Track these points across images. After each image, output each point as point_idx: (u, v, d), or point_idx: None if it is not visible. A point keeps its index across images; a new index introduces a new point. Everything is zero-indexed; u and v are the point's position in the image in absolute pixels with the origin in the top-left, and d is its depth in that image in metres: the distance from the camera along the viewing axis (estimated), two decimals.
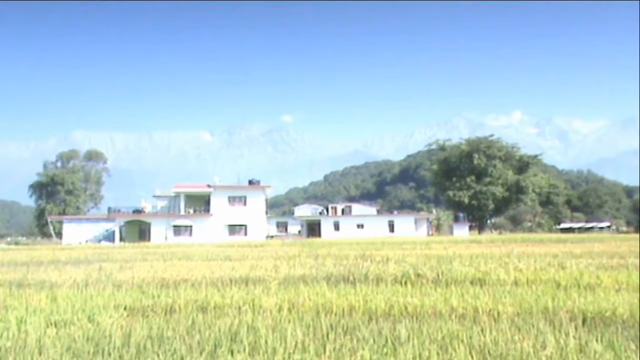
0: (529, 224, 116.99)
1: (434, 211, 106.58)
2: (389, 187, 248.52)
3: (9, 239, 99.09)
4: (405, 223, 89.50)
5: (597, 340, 7.14)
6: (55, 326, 9.11)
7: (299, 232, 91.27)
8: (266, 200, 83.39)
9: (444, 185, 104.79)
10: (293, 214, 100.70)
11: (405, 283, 13.81)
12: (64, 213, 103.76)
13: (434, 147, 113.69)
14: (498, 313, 9.51)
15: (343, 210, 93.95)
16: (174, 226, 75.29)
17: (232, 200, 78.14)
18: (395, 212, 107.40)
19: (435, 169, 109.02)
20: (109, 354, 7.01)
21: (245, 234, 75.85)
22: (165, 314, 10.43)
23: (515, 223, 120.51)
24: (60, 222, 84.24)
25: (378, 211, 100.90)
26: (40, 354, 7.07)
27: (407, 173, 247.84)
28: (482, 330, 7.81)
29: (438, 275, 14.72)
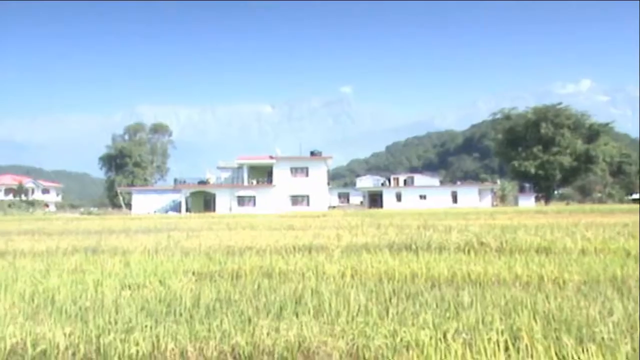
0: (599, 194, 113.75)
1: (498, 182, 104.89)
2: (452, 157, 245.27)
3: (81, 209, 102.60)
4: (468, 194, 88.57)
5: None
6: (129, 288, 9.52)
7: (361, 203, 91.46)
8: (328, 171, 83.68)
9: (509, 155, 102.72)
10: (355, 185, 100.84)
11: (469, 251, 13.74)
12: (132, 184, 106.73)
13: (498, 116, 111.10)
14: (564, 281, 9.41)
15: (405, 181, 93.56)
16: (238, 197, 76.52)
17: (294, 171, 78.73)
18: (459, 183, 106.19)
19: (500, 139, 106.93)
20: (180, 314, 7.31)
21: (308, 204, 76.45)
22: (232, 278, 10.73)
23: (584, 194, 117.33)
24: (130, 193, 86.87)
25: (441, 182, 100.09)
26: (117, 313, 7.42)
27: (470, 143, 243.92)
28: (546, 297, 7.76)
29: (502, 244, 14.58)
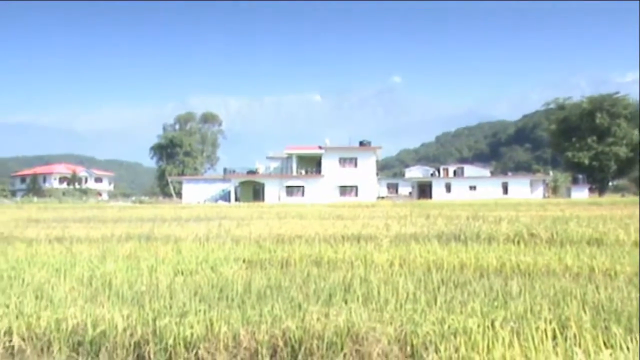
0: None
1: (550, 173, 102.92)
2: (503, 148, 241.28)
3: (133, 198, 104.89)
4: (519, 185, 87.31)
5: None
6: (182, 274, 9.84)
7: (410, 193, 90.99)
8: (377, 161, 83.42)
9: (563, 145, 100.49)
10: (404, 175, 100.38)
11: (518, 242, 13.69)
12: (182, 174, 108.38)
13: (552, 106, 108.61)
14: (615, 272, 9.34)
15: (455, 172, 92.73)
16: (287, 186, 76.98)
17: (342, 161, 78.73)
18: (510, 174, 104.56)
19: (553, 129, 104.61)
20: (232, 299, 7.53)
21: (356, 194, 76.42)
22: (282, 266, 10.97)
23: None
24: (180, 183, 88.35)
25: (491, 173, 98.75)
26: (171, 297, 7.70)
27: (522, 134, 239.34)
28: (596, 288, 7.72)
29: (552, 235, 14.46)
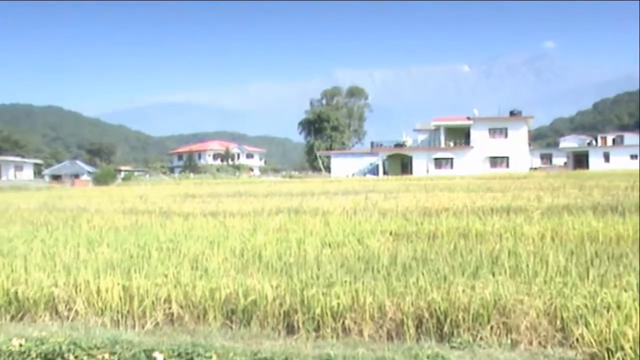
0: None
1: None
2: None
3: (283, 172, 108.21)
4: None
5: None
6: (330, 246, 10.10)
7: (565, 164, 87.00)
8: (529, 131, 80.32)
9: None
10: (558, 145, 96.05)
11: None
12: (330, 148, 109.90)
13: None
14: None
15: (614, 141, 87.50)
16: (435, 159, 76.10)
17: (492, 132, 76.58)
18: None
19: None
20: (378, 271, 7.65)
21: (507, 166, 74.09)
22: (428, 239, 10.95)
23: None
24: (328, 157, 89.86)
25: None
26: (318, 268, 7.95)
27: None
28: None
29: None
